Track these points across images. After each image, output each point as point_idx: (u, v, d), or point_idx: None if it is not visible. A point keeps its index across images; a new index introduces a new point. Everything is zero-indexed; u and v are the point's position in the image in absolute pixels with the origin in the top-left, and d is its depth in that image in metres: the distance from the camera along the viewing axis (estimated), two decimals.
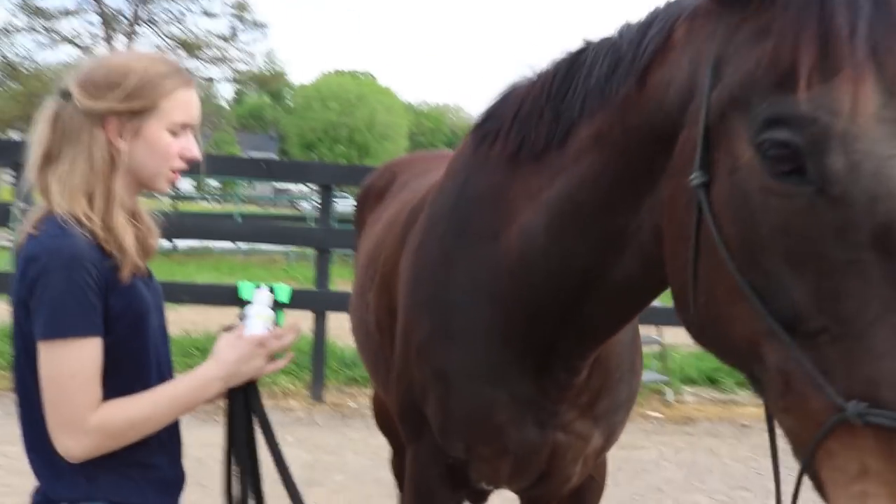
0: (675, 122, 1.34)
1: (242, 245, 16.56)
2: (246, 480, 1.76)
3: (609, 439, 2.06)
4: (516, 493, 2.17)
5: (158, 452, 1.64)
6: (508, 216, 1.75)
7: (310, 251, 10.91)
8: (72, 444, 1.49)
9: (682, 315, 1.33)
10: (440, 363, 1.88)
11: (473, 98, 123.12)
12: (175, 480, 1.71)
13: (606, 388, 1.93)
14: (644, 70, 1.43)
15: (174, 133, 1.60)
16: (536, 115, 1.69)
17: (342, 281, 8.48)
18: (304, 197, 26.61)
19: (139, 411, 1.56)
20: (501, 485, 2.03)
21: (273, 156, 50.94)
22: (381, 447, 4.09)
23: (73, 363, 1.48)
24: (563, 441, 1.93)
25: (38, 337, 1.48)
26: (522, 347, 1.80)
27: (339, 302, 6.20)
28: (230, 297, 5.88)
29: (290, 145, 52.08)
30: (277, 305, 1.86)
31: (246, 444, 1.77)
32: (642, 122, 1.42)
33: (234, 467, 1.78)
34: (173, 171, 1.62)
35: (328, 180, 6.79)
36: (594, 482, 2.23)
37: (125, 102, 1.56)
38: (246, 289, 1.87)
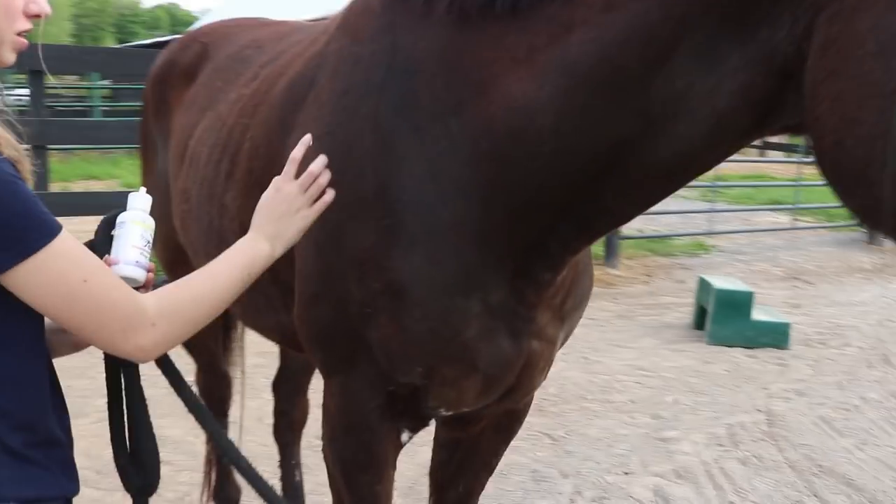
0: None
1: None
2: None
3: (567, 338, 1.83)
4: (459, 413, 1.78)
5: (57, 427, 1.27)
6: (478, 86, 1.42)
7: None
8: (142, 341, 1.25)
9: (861, 201, 1.11)
10: (394, 274, 1.50)
11: None
12: (73, 460, 1.33)
13: (574, 281, 1.71)
14: None
15: None
16: None
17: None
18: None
19: (199, 285, 1.35)
20: (463, 409, 1.70)
21: None
22: None
23: (74, 266, 1.19)
24: (536, 349, 1.67)
25: (11, 264, 1.13)
26: (503, 247, 1.48)
27: (64, 206, 5.18)
28: None
29: None
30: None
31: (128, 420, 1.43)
32: None
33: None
34: (19, 35, 1.27)
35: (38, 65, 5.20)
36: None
37: None
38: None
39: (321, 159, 1.52)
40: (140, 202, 1.41)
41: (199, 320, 1.35)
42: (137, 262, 1.36)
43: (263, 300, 2.03)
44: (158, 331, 1.27)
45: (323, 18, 2.34)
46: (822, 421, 4.35)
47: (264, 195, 1.52)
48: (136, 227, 1.37)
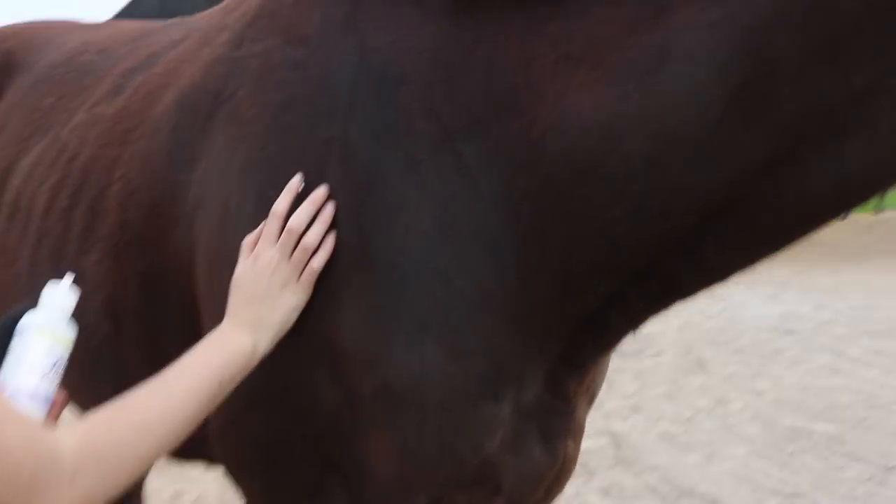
0: None
1: None
2: None
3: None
4: None
5: None
6: (505, 98, 1.03)
7: None
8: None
9: None
10: (393, 372, 1.07)
11: None
12: None
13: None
14: None
15: None
16: None
17: None
18: None
19: (144, 409, 0.94)
20: None
21: None
22: None
23: None
24: (571, 450, 1.31)
25: None
26: (547, 326, 1.09)
27: None
28: None
29: None
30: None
31: None
32: None
33: None
34: None
35: None
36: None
37: None
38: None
39: (304, 209, 1.08)
40: (58, 299, 0.95)
41: (142, 462, 0.92)
42: (35, 393, 0.89)
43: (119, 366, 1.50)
44: (80, 488, 0.84)
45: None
46: (665, 437, 4.39)
47: (238, 268, 1.07)
48: (41, 340, 0.94)
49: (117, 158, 1.47)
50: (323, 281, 1.11)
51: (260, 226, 1.16)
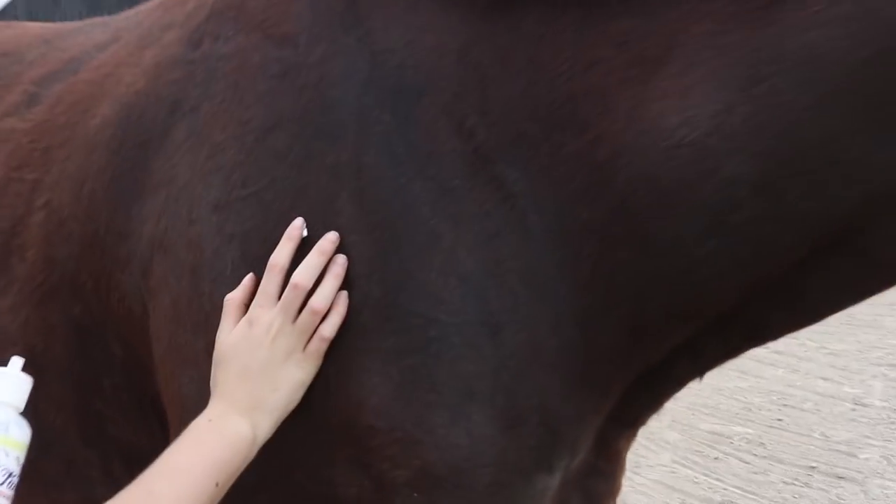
0: None
1: None
2: None
3: None
4: None
5: None
6: (556, 111, 0.87)
7: None
8: None
9: None
10: (428, 451, 0.89)
11: None
12: None
13: None
14: None
15: None
16: None
17: None
18: None
19: None
20: None
21: None
22: None
23: None
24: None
25: None
26: (606, 383, 0.94)
27: None
28: None
29: None
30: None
31: None
32: None
33: None
34: None
35: None
36: None
37: None
38: None
39: (311, 261, 0.88)
40: (4, 390, 0.75)
41: None
42: None
43: (61, 463, 1.26)
44: None
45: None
46: None
47: (224, 335, 0.85)
48: None
49: (38, 182, 1.20)
50: (341, 345, 0.90)
51: (245, 279, 0.94)
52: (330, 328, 0.90)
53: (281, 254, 0.92)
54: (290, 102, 0.97)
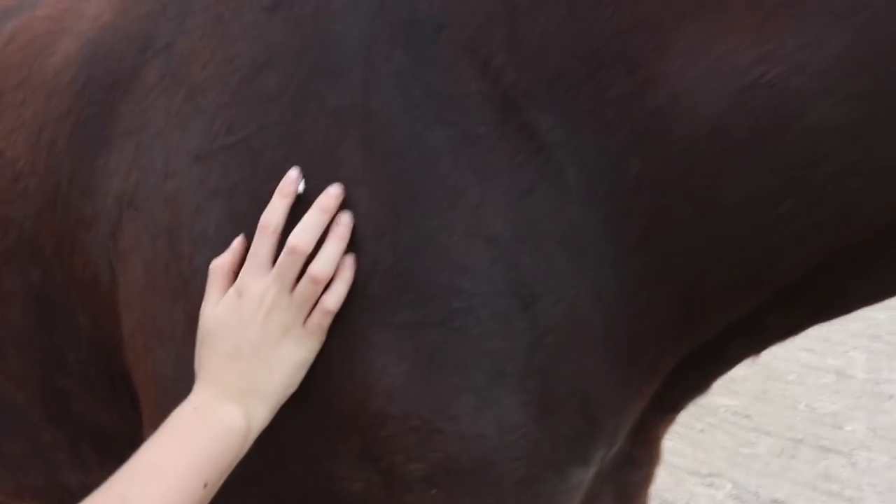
0: None
1: None
2: None
3: None
4: None
5: None
6: (601, 47, 0.74)
7: None
8: None
9: None
10: (450, 441, 0.77)
11: None
12: None
13: None
14: None
15: None
16: None
17: None
18: None
19: None
20: None
21: None
22: None
23: None
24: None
25: None
26: (652, 361, 0.83)
27: None
28: None
29: None
30: None
31: None
32: None
33: None
34: None
35: None
36: None
37: None
38: None
39: (311, 220, 0.75)
40: None
41: None
42: None
43: (25, 444, 1.14)
44: None
45: None
46: None
47: (209, 308, 0.72)
48: None
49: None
50: (346, 319, 0.77)
51: (234, 242, 0.80)
52: (334, 299, 0.77)
53: (274, 212, 0.79)
54: (283, 37, 0.83)
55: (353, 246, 0.77)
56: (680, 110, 0.71)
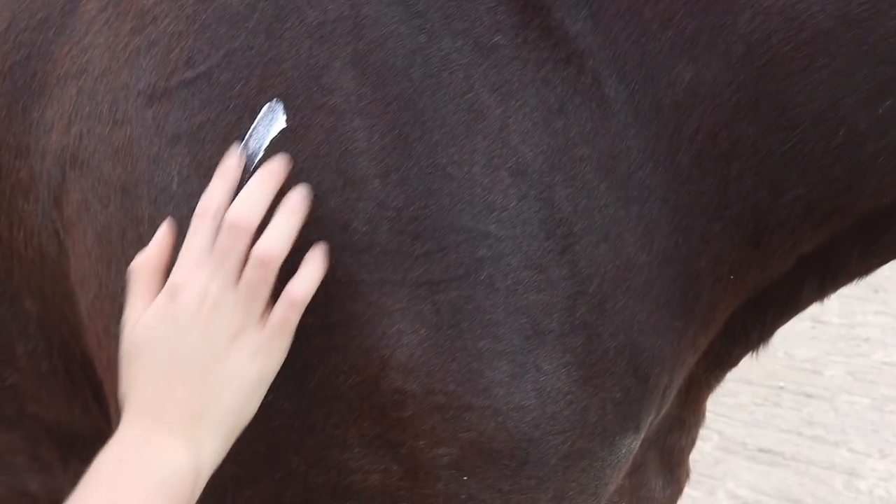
0: None
1: None
2: None
3: None
4: None
5: None
6: None
7: None
8: None
9: None
10: (482, 416, 0.65)
11: None
12: None
13: None
14: None
15: None
16: None
17: None
18: None
19: None
20: None
21: None
22: None
23: None
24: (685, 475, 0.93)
25: None
26: (712, 310, 0.72)
27: None
28: None
29: None
30: None
31: None
32: None
33: None
34: None
35: None
36: None
37: None
38: None
39: (254, 189, 0.62)
40: None
41: None
42: None
43: None
44: None
45: None
46: None
47: (137, 316, 0.59)
48: None
49: None
50: (348, 280, 0.64)
51: (159, 233, 0.67)
52: (301, 286, 0.62)
53: (213, 196, 0.64)
54: None
55: (354, 187, 0.64)
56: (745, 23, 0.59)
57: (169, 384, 0.62)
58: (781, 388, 3.79)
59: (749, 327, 0.77)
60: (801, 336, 4.41)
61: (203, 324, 0.62)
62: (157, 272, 0.66)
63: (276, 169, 0.63)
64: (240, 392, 0.62)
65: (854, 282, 0.75)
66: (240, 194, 0.63)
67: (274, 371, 0.64)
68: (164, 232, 0.67)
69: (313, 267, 0.63)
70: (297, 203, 0.63)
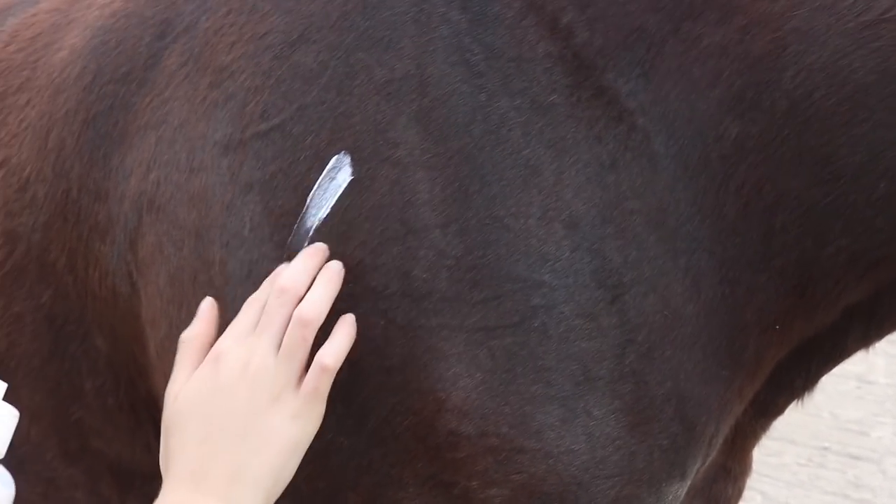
0: None
1: None
2: None
3: None
4: None
5: None
6: None
7: None
8: None
9: None
10: (533, 460, 0.67)
11: None
12: None
13: None
14: None
15: None
16: None
17: None
18: None
19: None
20: None
21: None
22: None
23: None
24: None
25: None
26: (758, 359, 0.73)
27: None
28: None
29: None
30: None
31: None
32: None
33: None
34: None
35: None
36: None
37: None
38: None
39: (301, 263, 0.69)
40: None
41: None
42: None
43: (39, 484, 1.04)
44: None
45: None
46: None
47: (181, 386, 0.67)
48: None
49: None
50: (408, 324, 0.67)
51: (204, 306, 0.72)
52: (332, 351, 0.66)
53: (262, 293, 0.70)
54: (321, 6, 0.74)
55: (415, 236, 0.67)
56: (788, 57, 0.62)
57: (210, 446, 0.64)
58: (826, 448, 3.70)
59: (794, 376, 0.78)
60: (847, 396, 4.31)
61: (247, 386, 0.65)
62: (204, 347, 0.70)
63: (324, 247, 0.68)
64: (278, 453, 0.64)
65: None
66: (291, 264, 0.68)
67: (311, 435, 0.66)
68: (208, 306, 0.72)
69: (343, 333, 0.66)
70: (335, 273, 0.67)
